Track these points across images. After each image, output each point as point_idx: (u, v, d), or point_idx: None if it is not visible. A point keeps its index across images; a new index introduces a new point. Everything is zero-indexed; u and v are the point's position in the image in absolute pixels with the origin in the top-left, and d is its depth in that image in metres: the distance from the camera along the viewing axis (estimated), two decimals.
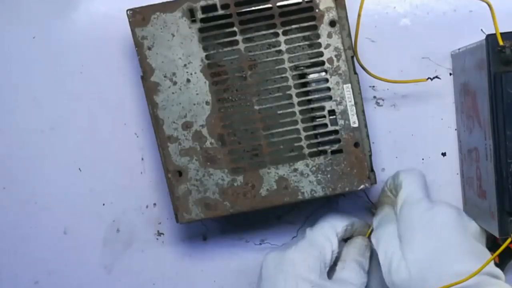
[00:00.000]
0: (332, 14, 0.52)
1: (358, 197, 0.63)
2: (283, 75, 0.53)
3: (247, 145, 0.54)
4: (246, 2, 0.52)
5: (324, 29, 0.53)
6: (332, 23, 0.52)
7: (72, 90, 0.63)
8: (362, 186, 0.53)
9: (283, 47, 0.53)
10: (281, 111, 0.54)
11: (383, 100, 0.63)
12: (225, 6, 0.53)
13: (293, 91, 0.53)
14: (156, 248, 0.64)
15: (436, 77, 0.58)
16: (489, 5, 0.52)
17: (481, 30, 0.59)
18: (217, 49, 0.54)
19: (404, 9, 0.63)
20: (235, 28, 0.53)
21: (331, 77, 0.53)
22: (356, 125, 0.53)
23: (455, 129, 0.63)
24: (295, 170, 0.54)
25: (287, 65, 0.53)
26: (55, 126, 0.64)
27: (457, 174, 0.63)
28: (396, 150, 0.63)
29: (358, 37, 0.55)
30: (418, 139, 0.63)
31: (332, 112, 0.53)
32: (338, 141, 0.54)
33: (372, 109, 0.63)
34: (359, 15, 0.54)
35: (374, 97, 0.63)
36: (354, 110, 0.53)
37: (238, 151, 0.55)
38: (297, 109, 0.53)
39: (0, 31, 0.64)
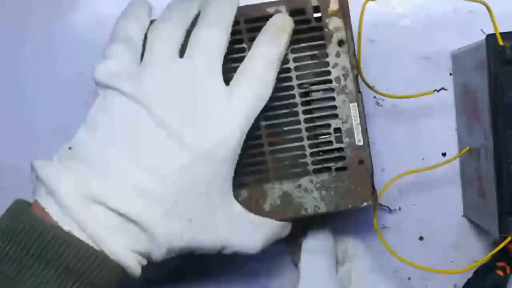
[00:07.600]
0: (340, 34, 0.52)
1: (358, 213, 0.63)
2: (290, 92, 0.53)
3: (252, 160, 0.54)
4: (256, 20, 0.52)
5: (332, 48, 0.52)
6: (341, 43, 0.52)
7: (72, 91, 0.63)
8: (365, 204, 0.53)
9: (291, 64, 0.52)
10: (287, 128, 0.53)
11: (383, 100, 0.63)
12: (235, 23, 0.51)
13: (300, 108, 0.53)
14: None
15: (443, 88, 0.58)
16: (487, 7, 0.52)
17: (481, 30, 0.59)
18: (225, 64, 0.53)
19: (404, 9, 0.63)
20: (244, 45, 0.52)
21: (338, 96, 0.52)
22: (361, 143, 0.53)
23: (455, 129, 0.63)
24: (299, 186, 0.53)
25: (294, 82, 0.53)
26: (55, 127, 0.64)
27: (457, 174, 0.63)
28: (396, 150, 0.63)
29: (360, 55, 0.55)
30: (418, 139, 0.63)
31: (337, 130, 0.53)
32: (343, 158, 0.53)
33: (372, 109, 0.63)
34: (359, 33, 0.54)
35: (374, 97, 0.63)
36: (360, 129, 0.53)
37: (243, 165, 0.54)
38: (303, 126, 0.53)
39: (0, 31, 0.64)
